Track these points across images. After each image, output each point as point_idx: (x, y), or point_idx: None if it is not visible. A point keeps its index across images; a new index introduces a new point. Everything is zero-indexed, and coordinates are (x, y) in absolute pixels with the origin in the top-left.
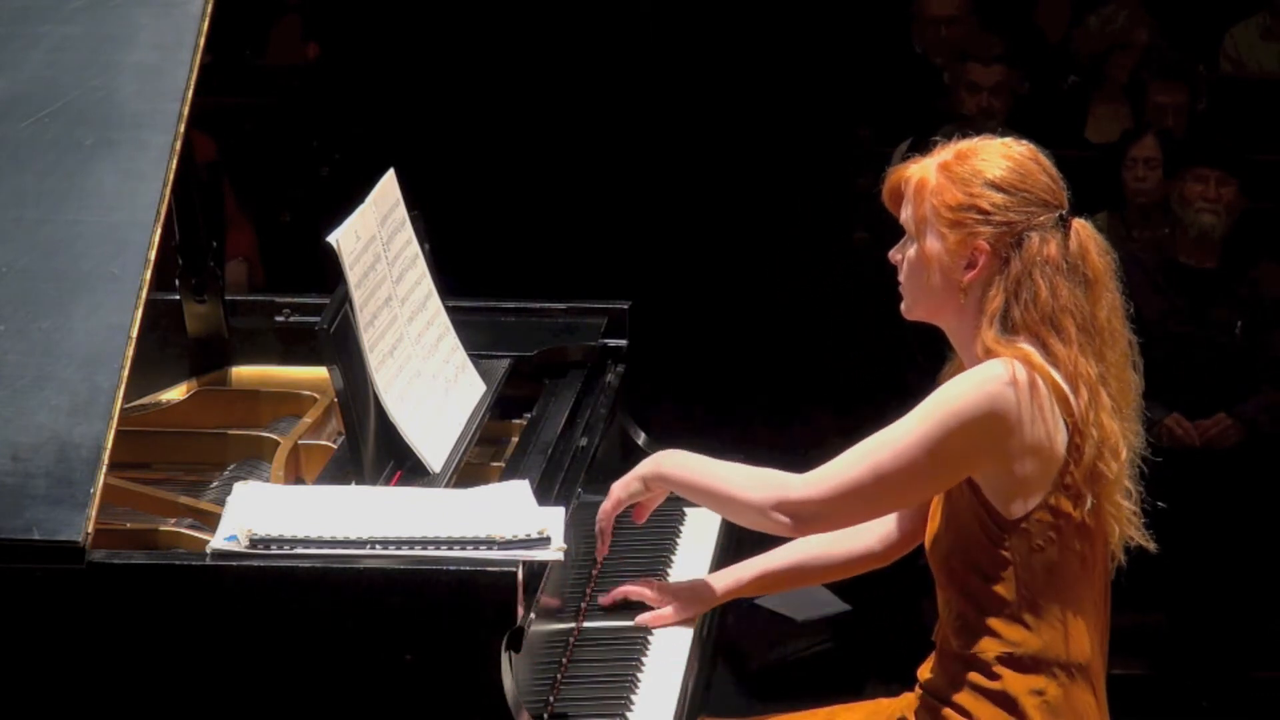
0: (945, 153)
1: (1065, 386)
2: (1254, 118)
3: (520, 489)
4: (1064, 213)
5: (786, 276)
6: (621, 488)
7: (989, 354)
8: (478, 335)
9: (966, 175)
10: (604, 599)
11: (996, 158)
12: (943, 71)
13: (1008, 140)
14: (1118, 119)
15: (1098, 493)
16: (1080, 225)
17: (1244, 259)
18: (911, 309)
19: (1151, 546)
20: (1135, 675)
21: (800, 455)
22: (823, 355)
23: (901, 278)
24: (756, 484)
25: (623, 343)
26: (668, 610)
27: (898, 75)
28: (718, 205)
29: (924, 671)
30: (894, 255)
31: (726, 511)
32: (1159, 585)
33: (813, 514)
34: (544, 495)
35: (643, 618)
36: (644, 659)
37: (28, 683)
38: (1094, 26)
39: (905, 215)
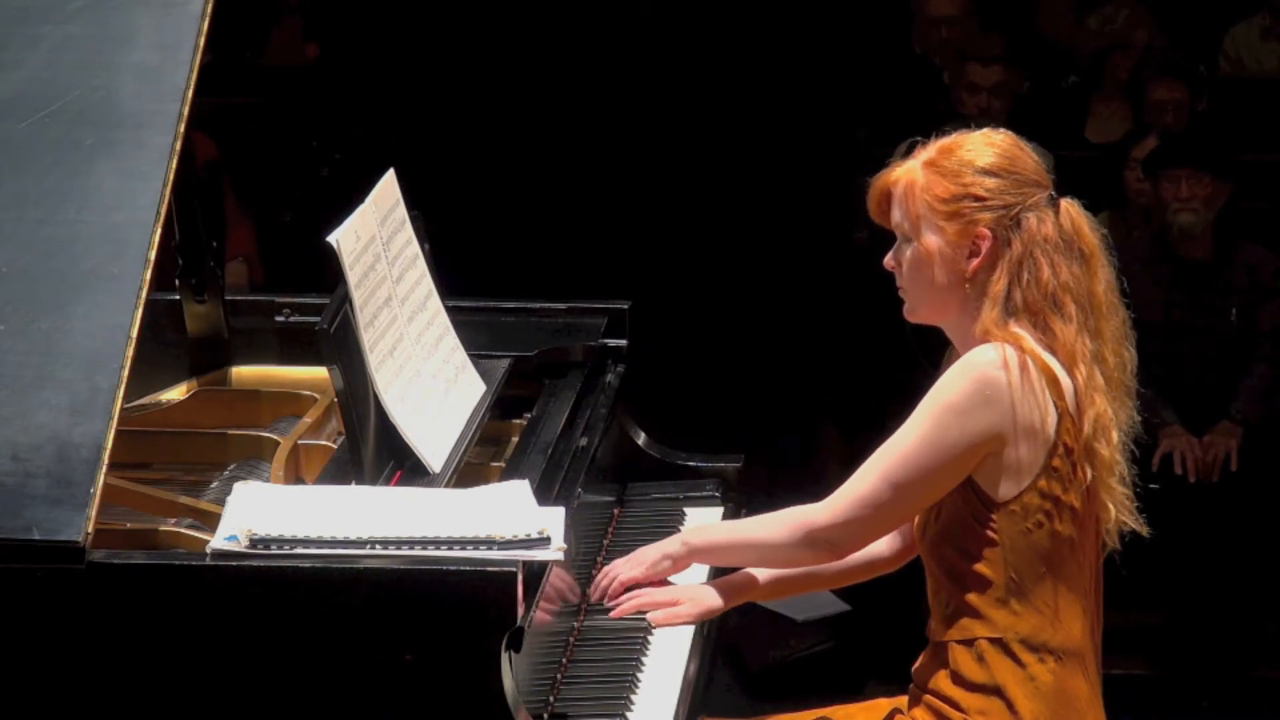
0: (927, 151)
1: (1057, 369)
2: (1253, 118)
3: (520, 489)
4: (1052, 192)
5: (786, 276)
6: (648, 567)
7: (985, 335)
8: (478, 335)
9: (955, 167)
10: (616, 611)
11: (981, 146)
12: (943, 71)
13: (985, 130)
14: (1118, 119)
15: (1094, 471)
16: (1069, 204)
17: (1237, 246)
18: (916, 310)
19: (1144, 530)
20: (1135, 675)
21: (799, 453)
22: (822, 354)
23: (902, 281)
24: (780, 524)
25: (623, 343)
26: (683, 610)
27: (898, 75)
28: (718, 205)
29: (917, 669)
30: (889, 262)
31: (764, 561)
32: (1159, 585)
33: (841, 536)
34: (544, 495)
35: (655, 616)
36: (644, 659)
37: (28, 683)
38: (1094, 26)
39: (897, 218)
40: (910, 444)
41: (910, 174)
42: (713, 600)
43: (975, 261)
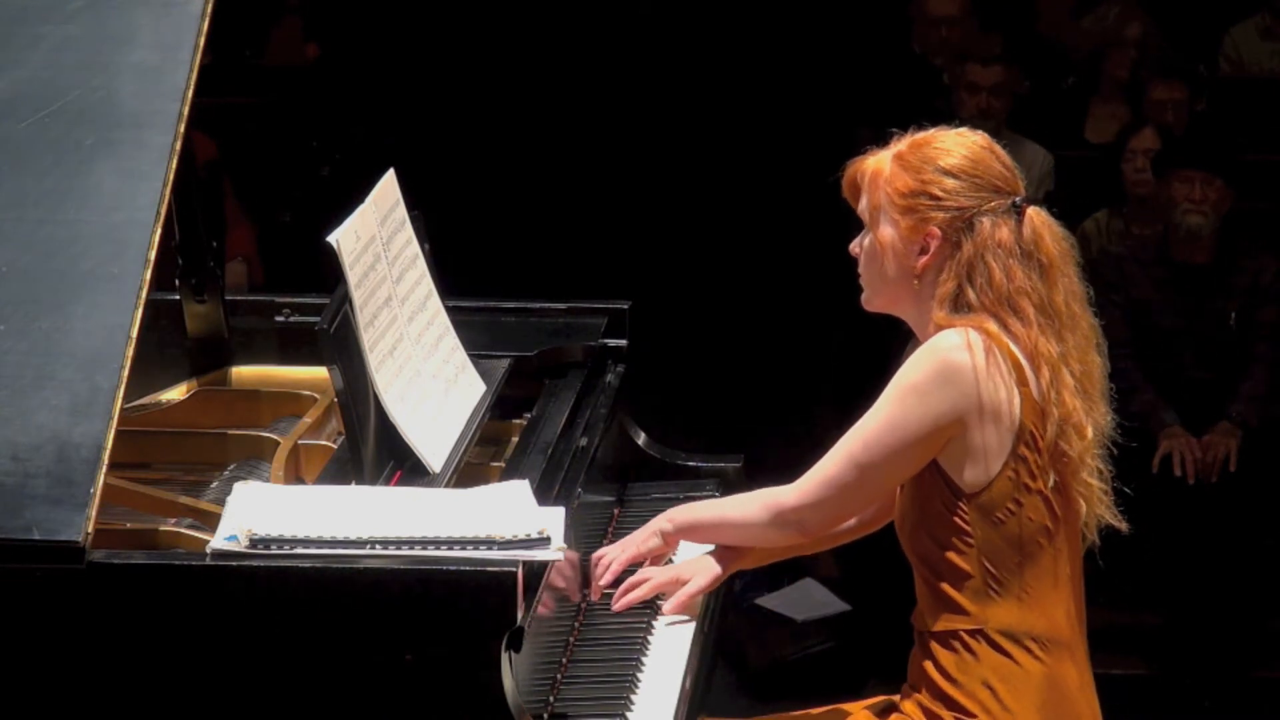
0: (900, 143)
1: (1022, 358)
2: (1253, 118)
3: (520, 489)
4: (1017, 200)
5: (786, 276)
6: (640, 544)
7: (940, 330)
8: (478, 335)
9: (919, 162)
10: (620, 604)
11: (949, 145)
12: (942, 72)
13: (962, 130)
14: (1117, 119)
15: (1061, 471)
16: (1034, 212)
17: (1238, 252)
18: (871, 299)
19: (1123, 527)
20: (1135, 675)
21: (800, 455)
22: (822, 354)
23: (860, 268)
24: (753, 505)
25: (623, 343)
26: (692, 587)
27: (898, 75)
28: (717, 205)
29: (909, 660)
30: (853, 248)
31: (742, 539)
32: (1159, 585)
33: (809, 518)
34: (544, 495)
35: (669, 606)
36: (644, 658)
37: (28, 683)
38: (1087, 26)
39: (862, 206)
40: (874, 426)
41: (879, 163)
42: (714, 568)
43: (924, 259)
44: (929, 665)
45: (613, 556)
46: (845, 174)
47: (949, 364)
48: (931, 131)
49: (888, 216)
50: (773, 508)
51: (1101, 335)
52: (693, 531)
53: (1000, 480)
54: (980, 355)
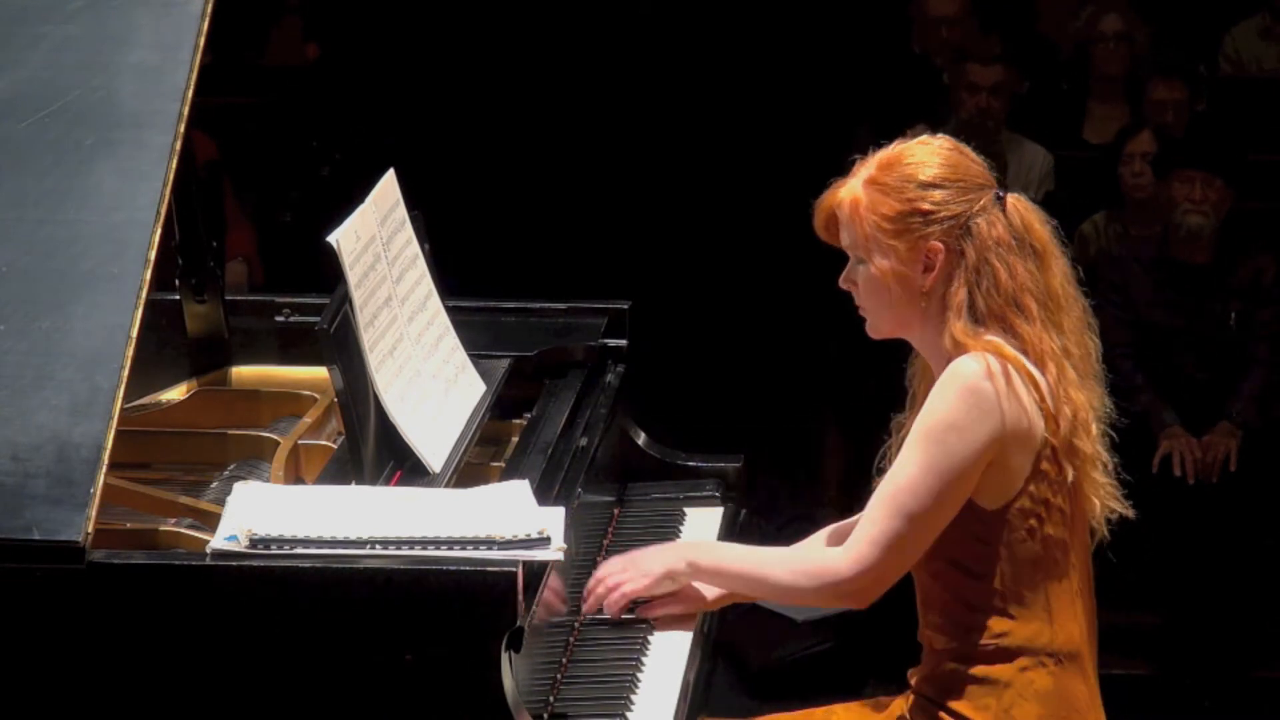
0: (867, 168)
1: (1034, 370)
2: (1253, 118)
3: (520, 489)
4: (999, 192)
5: (786, 276)
6: (649, 586)
7: (958, 347)
8: (478, 335)
9: (898, 183)
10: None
11: (922, 157)
12: (942, 72)
13: (923, 138)
14: (1116, 119)
15: (1077, 467)
16: (1016, 199)
17: (1238, 252)
18: (877, 328)
19: (1130, 513)
20: (1135, 675)
21: (800, 456)
22: (823, 355)
23: (860, 300)
24: (800, 572)
25: (623, 343)
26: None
27: (898, 75)
28: (717, 205)
29: (914, 673)
30: (844, 283)
31: (776, 599)
32: (1159, 585)
33: (869, 585)
34: (544, 495)
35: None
36: (644, 659)
37: (28, 683)
38: (1073, 25)
39: (846, 241)
40: (916, 472)
41: (854, 194)
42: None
43: (930, 276)
44: (940, 680)
45: (618, 582)
46: (817, 212)
47: (977, 393)
48: (896, 149)
49: (880, 245)
50: (824, 578)
51: (1092, 315)
52: (716, 578)
53: (1021, 498)
54: (1002, 381)
